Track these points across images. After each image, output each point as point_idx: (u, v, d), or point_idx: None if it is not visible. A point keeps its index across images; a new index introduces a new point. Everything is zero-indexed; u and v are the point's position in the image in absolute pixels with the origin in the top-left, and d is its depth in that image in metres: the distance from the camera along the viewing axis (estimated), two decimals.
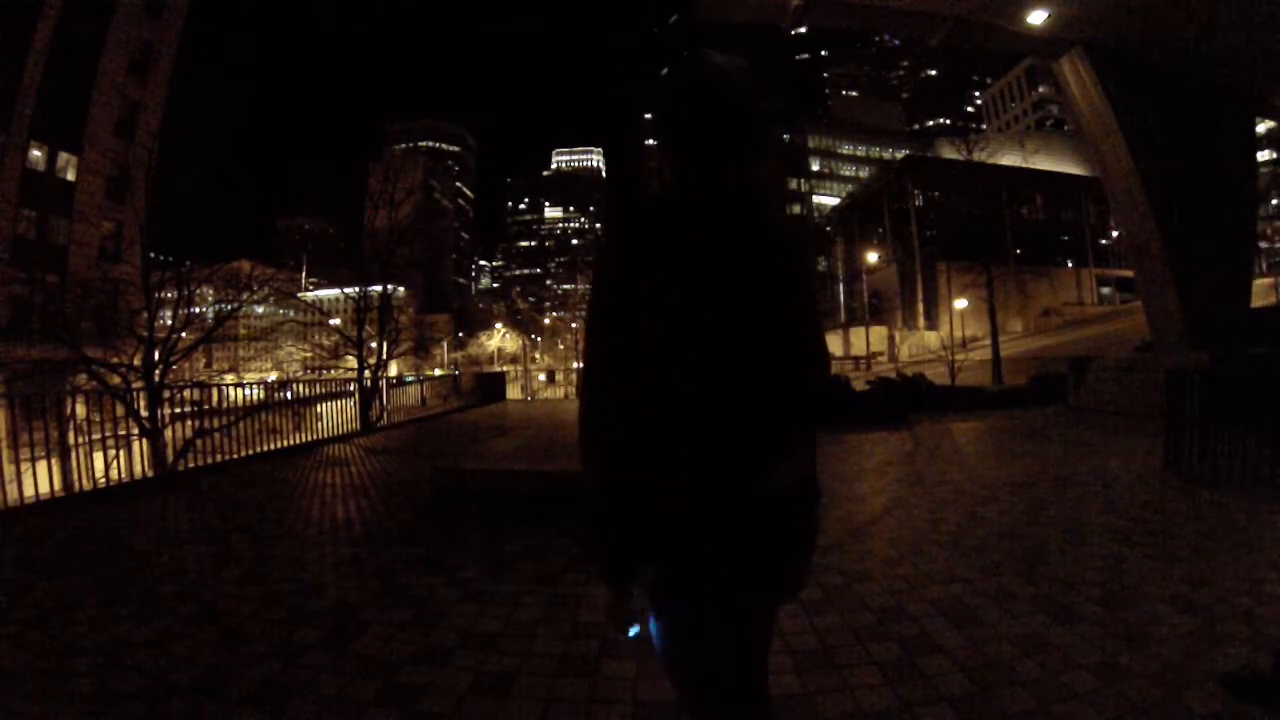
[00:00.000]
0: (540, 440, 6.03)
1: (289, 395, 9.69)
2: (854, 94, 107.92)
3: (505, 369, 40.83)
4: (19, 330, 17.19)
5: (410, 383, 15.95)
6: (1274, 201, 38.45)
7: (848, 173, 75.69)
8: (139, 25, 25.71)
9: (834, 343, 43.09)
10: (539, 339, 69.94)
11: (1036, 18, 9.72)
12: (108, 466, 6.73)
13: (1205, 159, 9.86)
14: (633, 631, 1.05)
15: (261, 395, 9.30)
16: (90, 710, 1.98)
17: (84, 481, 6.60)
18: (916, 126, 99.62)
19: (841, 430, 8.91)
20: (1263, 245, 36.89)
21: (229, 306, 17.37)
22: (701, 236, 0.99)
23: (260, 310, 31.37)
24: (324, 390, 10.57)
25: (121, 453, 7.30)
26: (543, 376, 50.91)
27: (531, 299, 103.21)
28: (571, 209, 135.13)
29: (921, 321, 44.21)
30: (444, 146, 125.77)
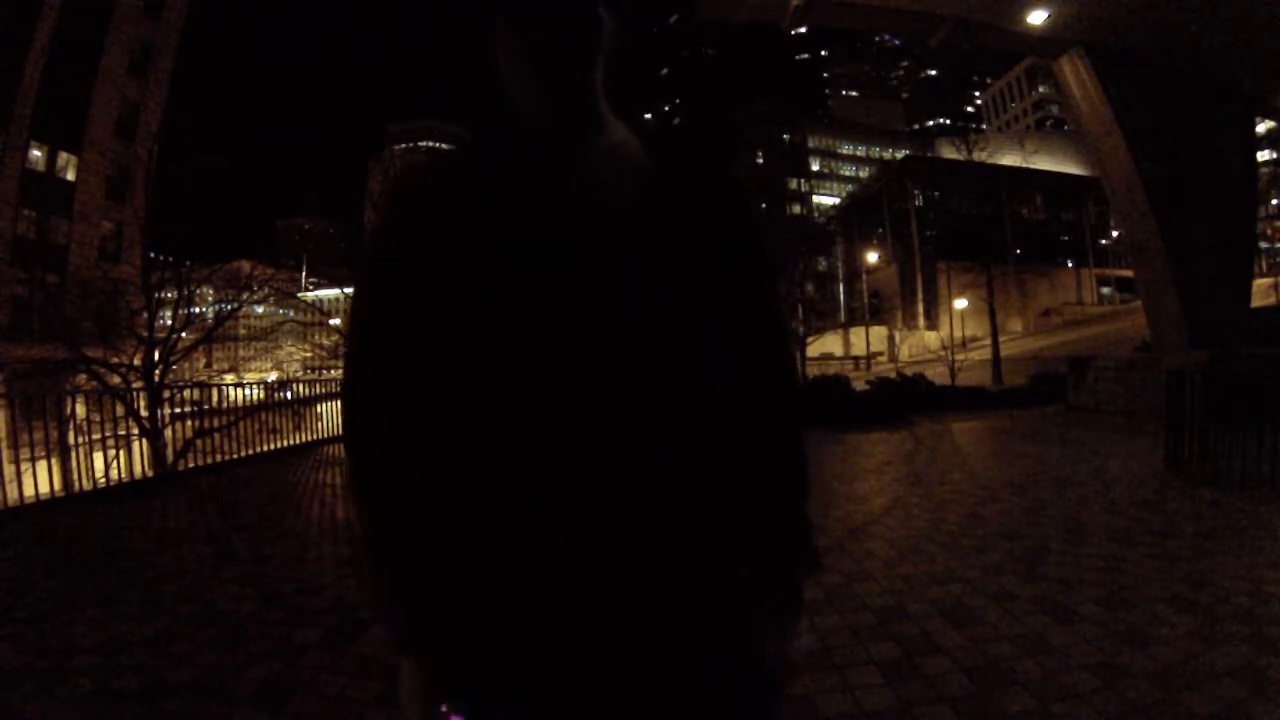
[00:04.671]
0: None
1: (289, 395, 9.69)
2: (854, 94, 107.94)
3: None
4: (19, 330, 17.18)
5: None
6: (1274, 201, 38.50)
7: (848, 173, 75.60)
8: (139, 25, 25.69)
9: (834, 343, 43.12)
10: None
11: (1036, 18, 9.72)
12: (108, 466, 6.74)
13: (1205, 159, 9.86)
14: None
15: (261, 395, 9.30)
16: (90, 710, 1.98)
17: (84, 481, 6.60)
18: (916, 126, 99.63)
19: (841, 430, 8.91)
20: (1263, 245, 36.92)
21: (229, 306, 17.37)
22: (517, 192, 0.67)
23: (260, 310, 31.38)
24: (324, 390, 10.56)
25: (121, 453, 7.33)
26: None
27: None
28: None
29: (921, 321, 44.21)
30: (444, 147, 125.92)
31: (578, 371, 0.63)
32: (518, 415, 0.63)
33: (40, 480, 5.07)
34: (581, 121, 0.71)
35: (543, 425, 0.62)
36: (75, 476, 7.19)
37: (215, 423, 8.22)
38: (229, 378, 25.98)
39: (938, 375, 16.84)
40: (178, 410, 10.83)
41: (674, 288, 0.67)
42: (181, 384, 13.59)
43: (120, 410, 8.83)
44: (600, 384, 0.63)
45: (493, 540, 0.64)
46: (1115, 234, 44.32)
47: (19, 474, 5.11)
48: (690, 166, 0.74)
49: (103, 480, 6.63)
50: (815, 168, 75.23)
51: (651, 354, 0.65)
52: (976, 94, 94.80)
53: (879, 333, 43.23)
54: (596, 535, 0.62)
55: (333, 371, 19.02)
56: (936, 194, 45.57)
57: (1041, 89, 71.82)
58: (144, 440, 8.99)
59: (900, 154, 60.23)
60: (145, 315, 13.59)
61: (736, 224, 0.73)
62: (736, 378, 0.73)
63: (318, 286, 53.89)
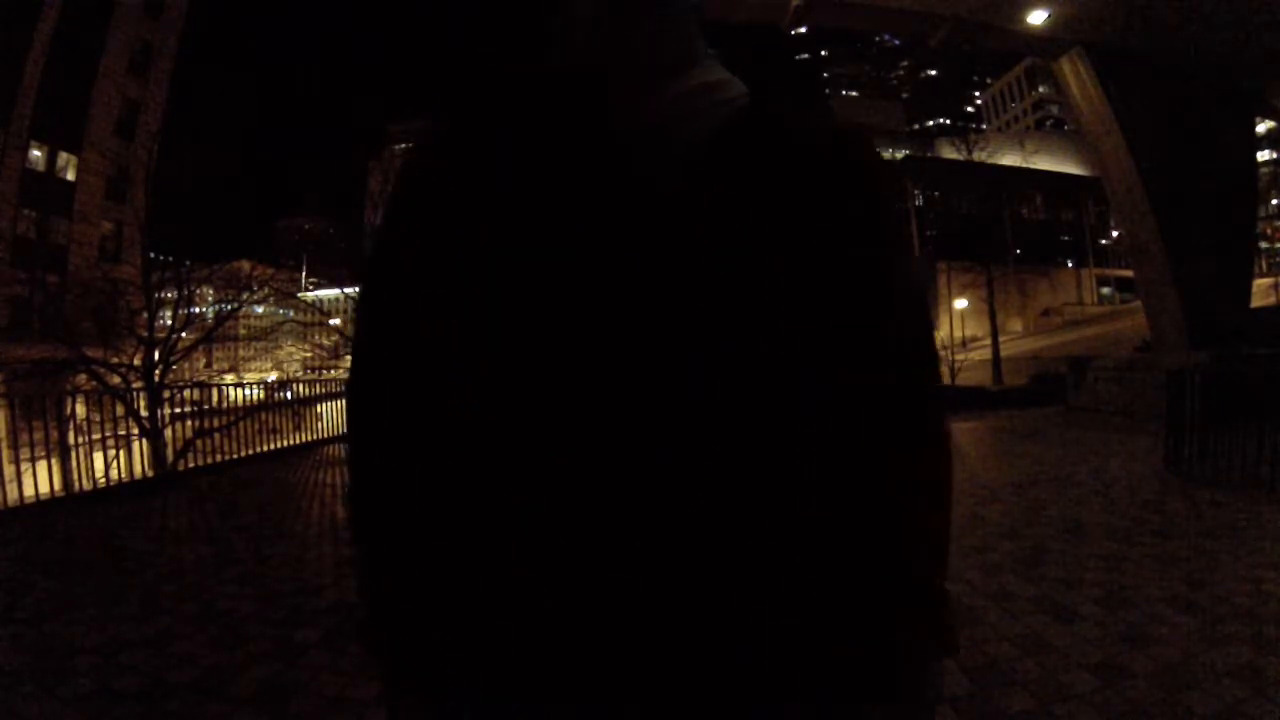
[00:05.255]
0: None
1: (289, 395, 9.70)
2: (854, 94, 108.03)
3: None
4: (19, 330, 17.18)
5: None
6: (1274, 201, 38.52)
7: None
8: (139, 25, 25.70)
9: None
10: None
11: (1036, 18, 9.72)
12: (108, 466, 6.73)
13: (1205, 159, 9.86)
14: None
15: (261, 395, 9.30)
16: (90, 710, 1.98)
17: (84, 481, 6.60)
18: (916, 126, 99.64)
19: None
20: (1263, 245, 36.93)
21: (229, 306, 17.39)
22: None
23: (260, 310, 31.40)
24: (324, 390, 10.56)
25: (121, 453, 7.33)
26: None
27: None
28: None
29: None
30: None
31: (599, 366, 0.51)
32: (523, 415, 0.55)
33: (40, 480, 5.05)
34: (672, 56, 0.55)
35: (547, 425, 0.54)
36: (75, 476, 7.18)
37: (215, 423, 8.22)
38: (229, 378, 25.99)
39: None
40: (178, 410, 10.83)
41: (752, 267, 0.51)
42: (181, 384, 13.59)
43: (120, 410, 8.84)
44: (628, 381, 0.51)
45: (492, 540, 0.57)
46: (1115, 234, 44.32)
47: (19, 474, 5.10)
48: (800, 113, 0.57)
49: (103, 480, 6.63)
50: None
51: (717, 347, 0.51)
52: (976, 94, 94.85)
53: None
54: (601, 538, 0.54)
55: (333, 371, 19.03)
56: (936, 194, 45.55)
57: (1041, 89, 71.80)
58: (144, 440, 8.99)
59: (900, 154, 60.24)
60: (145, 315, 13.61)
61: (857, 189, 0.56)
62: (848, 385, 0.56)
63: (318, 286, 53.89)
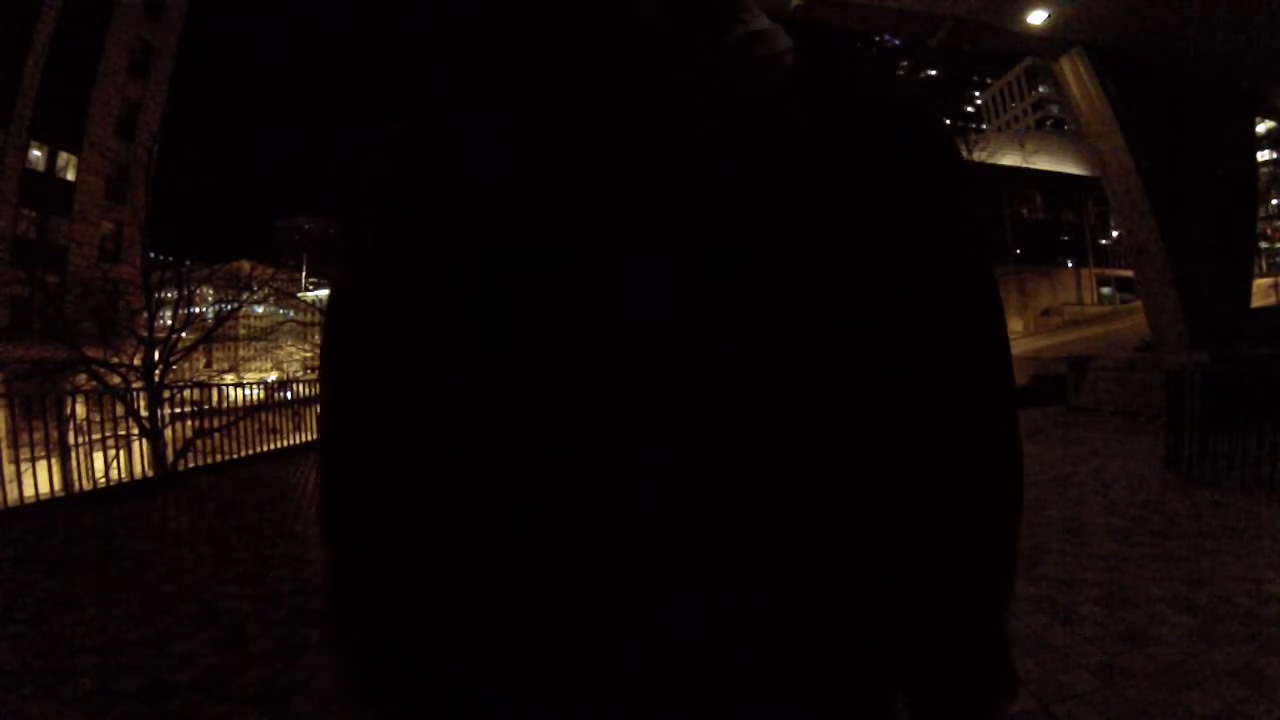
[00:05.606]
0: None
1: (289, 395, 9.69)
2: None
3: None
4: (19, 330, 17.18)
5: None
6: (1274, 201, 38.55)
7: None
8: (139, 25, 25.71)
9: None
10: None
11: (1036, 18, 9.73)
12: (108, 466, 6.73)
13: (1205, 159, 9.87)
14: None
15: (261, 395, 9.30)
16: (90, 710, 1.98)
17: (84, 481, 6.60)
18: None
19: None
20: (1263, 245, 36.97)
21: (229, 306, 17.40)
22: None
23: (260, 310, 31.40)
24: None
25: (121, 453, 7.32)
26: None
27: None
28: None
29: None
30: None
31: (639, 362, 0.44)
32: (526, 413, 0.49)
33: (40, 480, 5.06)
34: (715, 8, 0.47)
35: (555, 422, 0.48)
36: (75, 476, 7.19)
37: (215, 423, 8.22)
38: (229, 378, 26.00)
39: None
40: (178, 410, 10.83)
41: (806, 257, 0.44)
42: (181, 384, 13.60)
43: (120, 410, 8.83)
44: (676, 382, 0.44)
45: (492, 541, 0.54)
46: (1115, 234, 44.39)
47: (19, 474, 5.10)
48: (865, 82, 0.49)
49: (103, 480, 6.63)
50: None
51: (758, 350, 0.44)
52: (976, 94, 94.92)
53: None
54: (606, 538, 0.49)
55: None
56: None
57: (1041, 89, 71.75)
58: (144, 440, 8.99)
59: None
60: (145, 315, 13.62)
61: (930, 174, 0.49)
62: (937, 379, 0.49)
63: (318, 286, 53.92)
